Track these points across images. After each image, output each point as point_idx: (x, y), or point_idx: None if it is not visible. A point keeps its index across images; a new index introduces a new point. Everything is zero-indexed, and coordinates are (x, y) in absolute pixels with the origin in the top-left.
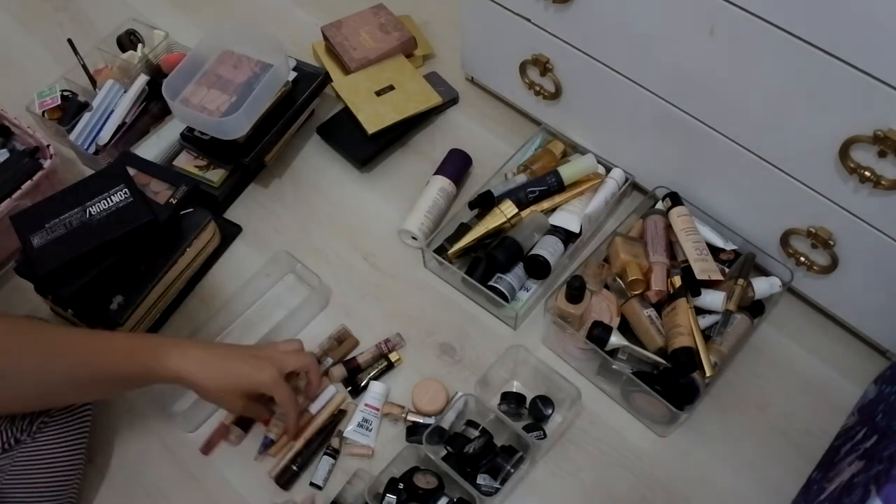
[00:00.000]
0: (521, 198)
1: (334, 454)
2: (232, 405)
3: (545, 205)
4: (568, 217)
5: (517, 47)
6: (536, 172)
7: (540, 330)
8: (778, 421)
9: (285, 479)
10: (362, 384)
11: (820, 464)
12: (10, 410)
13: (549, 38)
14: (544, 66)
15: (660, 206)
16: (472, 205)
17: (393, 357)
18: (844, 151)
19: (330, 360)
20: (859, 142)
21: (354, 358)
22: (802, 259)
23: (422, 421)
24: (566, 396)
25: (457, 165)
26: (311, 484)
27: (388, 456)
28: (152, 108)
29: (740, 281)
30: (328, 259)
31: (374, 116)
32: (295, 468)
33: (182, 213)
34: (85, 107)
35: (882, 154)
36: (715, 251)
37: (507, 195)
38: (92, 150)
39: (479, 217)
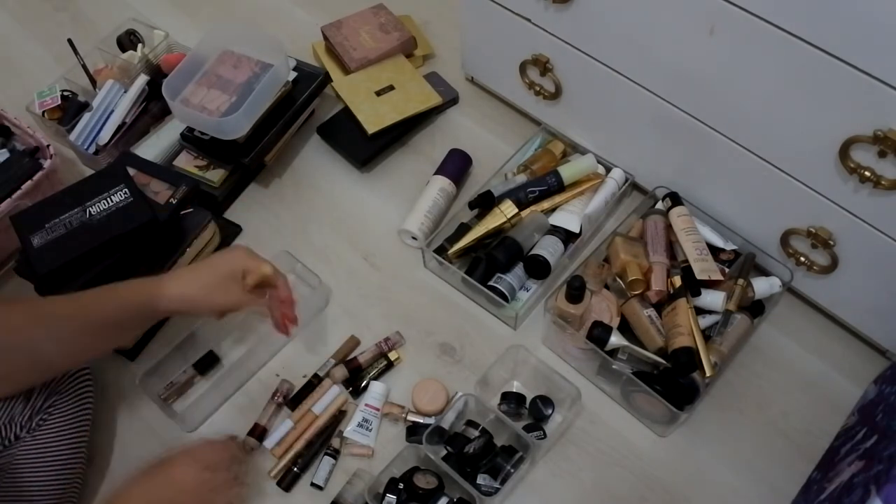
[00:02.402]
0: (521, 198)
1: (335, 454)
2: (232, 296)
3: (545, 205)
4: (568, 217)
5: (517, 47)
6: (536, 172)
7: (540, 330)
8: (778, 421)
9: (287, 480)
10: (362, 384)
11: (820, 464)
12: (11, 391)
13: (549, 38)
14: (544, 66)
15: (660, 206)
16: (472, 205)
17: (392, 356)
18: (844, 151)
19: (332, 362)
20: (859, 142)
21: (356, 358)
22: (802, 259)
23: (422, 421)
24: (566, 396)
25: (457, 165)
26: (312, 484)
27: (388, 456)
28: (152, 108)
29: (740, 281)
30: (328, 259)
31: (374, 116)
32: (296, 469)
33: (182, 213)
34: (85, 107)
35: (882, 154)
36: (715, 251)
37: (507, 195)
38: (92, 150)
39: (479, 217)
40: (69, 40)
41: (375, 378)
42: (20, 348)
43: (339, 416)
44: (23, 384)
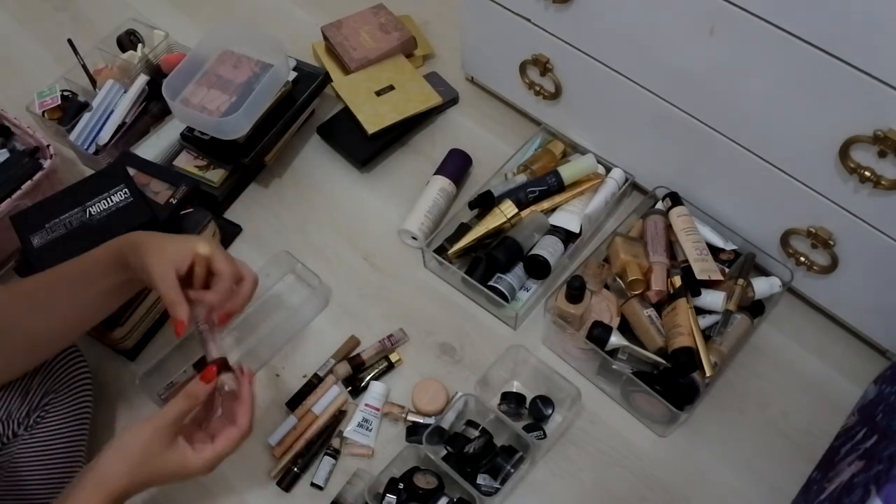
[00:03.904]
0: (521, 198)
1: (335, 454)
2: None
3: (545, 205)
4: (568, 217)
5: (517, 47)
6: (536, 172)
7: (540, 330)
8: (778, 421)
9: (287, 480)
10: (362, 384)
11: (820, 464)
12: (3, 376)
13: (549, 38)
14: (544, 66)
15: (660, 206)
16: (472, 205)
17: (393, 357)
18: (844, 151)
19: (332, 362)
20: (859, 142)
21: (359, 354)
22: (802, 259)
23: (422, 421)
24: (566, 396)
25: (457, 165)
26: (312, 484)
27: (388, 456)
28: (152, 108)
29: (740, 281)
30: (328, 259)
31: (374, 116)
32: (296, 470)
33: (182, 213)
34: (85, 107)
35: (882, 154)
36: (715, 251)
37: (507, 195)
38: (92, 150)
39: (479, 217)
40: (69, 40)
41: (376, 378)
42: (1, 328)
43: (338, 416)
44: (11, 368)
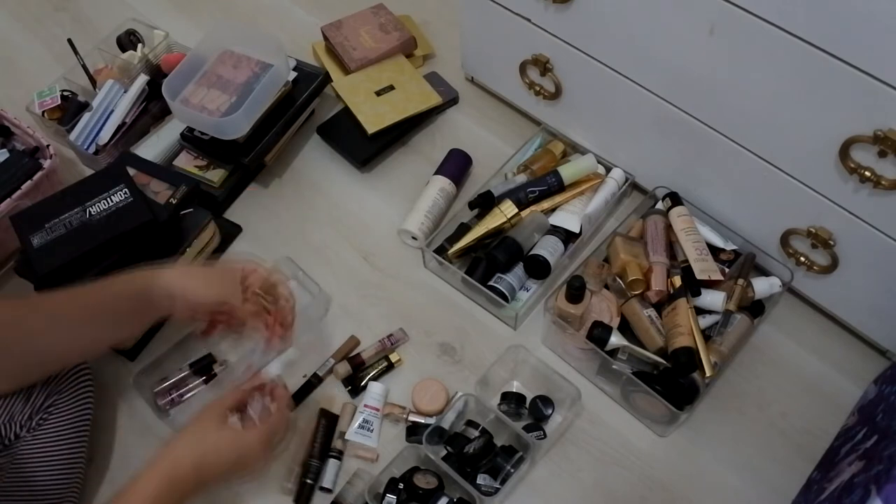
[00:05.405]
0: (521, 198)
1: (339, 456)
2: (226, 287)
3: (545, 205)
4: (568, 217)
5: (517, 47)
6: (536, 172)
7: (540, 330)
8: (778, 421)
9: (304, 496)
10: (362, 384)
11: (820, 464)
12: (13, 386)
13: (549, 38)
14: (544, 66)
15: (660, 206)
16: (472, 205)
17: (393, 358)
18: (844, 151)
19: (332, 362)
20: (859, 142)
21: (359, 354)
22: (802, 259)
23: (422, 421)
24: (566, 396)
25: (457, 165)
26: (321, 488)
27: (388, 456)
28: (152, 108)
29: (740, 281)
30: (328, 259)
31: (374, 116)
32: (309, 482)
33: (182, 213)
34: (85, 107)
35: (882, 154)
36: (715, 251)
37: (507, 195)
38: (92, 150)
39: (479, 217)
40: (69, 40)
41: (376, 378)
42: (18, 342)
43: (333, 419)
44: (22, 380)
